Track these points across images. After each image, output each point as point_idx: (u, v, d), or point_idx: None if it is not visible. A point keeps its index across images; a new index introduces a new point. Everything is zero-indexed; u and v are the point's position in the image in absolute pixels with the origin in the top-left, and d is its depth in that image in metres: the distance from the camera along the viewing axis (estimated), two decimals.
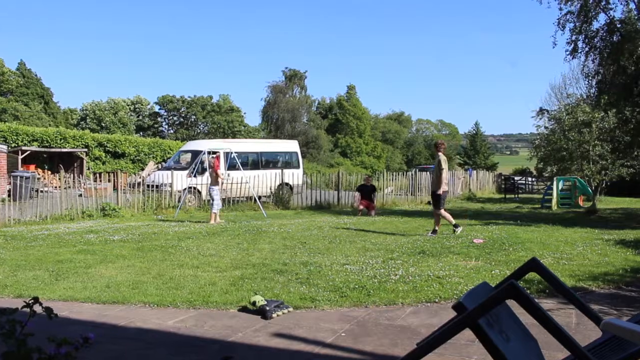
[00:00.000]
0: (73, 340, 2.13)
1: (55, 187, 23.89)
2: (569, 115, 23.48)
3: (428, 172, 28.48)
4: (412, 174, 26.99)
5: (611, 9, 19.51)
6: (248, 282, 7.44)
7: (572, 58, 19.90)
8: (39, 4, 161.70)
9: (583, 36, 19.68)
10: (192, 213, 18.97)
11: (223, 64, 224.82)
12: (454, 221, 12.41)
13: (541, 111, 26.54)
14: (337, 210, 21.21)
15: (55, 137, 34.16)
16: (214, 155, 17.94)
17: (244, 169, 20.82)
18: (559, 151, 24.26)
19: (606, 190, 27.10)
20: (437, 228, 12.39)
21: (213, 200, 15.83)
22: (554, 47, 20.65)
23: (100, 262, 9.17)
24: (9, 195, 18.35)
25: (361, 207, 18.72)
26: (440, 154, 12.45)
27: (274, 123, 70.86)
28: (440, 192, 12.30)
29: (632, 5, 19.26)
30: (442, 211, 12.34)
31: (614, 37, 19.20)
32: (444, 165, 12.25)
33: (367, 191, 19.05)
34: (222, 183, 16.40)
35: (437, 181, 12.42)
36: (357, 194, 19.69)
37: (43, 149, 32.91)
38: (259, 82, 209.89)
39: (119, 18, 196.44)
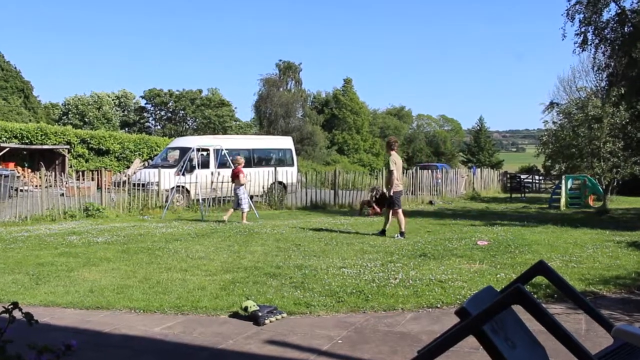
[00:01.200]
0: (54, 347, 2.12)
1: (36, 186, 23.81)
2: (578, 110, 23.52)
3: (430, 170, 28.54)
4: (412, 172, 26.95)
5: None
6: (239, 287, 7.44)
7: (582, 50, 20.01)
8: None
9: (592, 27, 19.77)
10: (180, 213, 18.94)
11: (213, 56, 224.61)
12: (403, 228, 12.61)
13: (551, 105, 26.59)
14: (333, 210, 21.22)
15: (36, 133, 34.06)
16: (237, 156, 17.86)
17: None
18: (568, 148, 24.29)
19: (618, 189, 27.11)
20: (403, 230, 12.61)
21: (239, 199, 15.99)
22: (563, 39, 20.77)
23: (83, 265, 9.15)
24: None
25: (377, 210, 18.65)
26: (393, 152, 12.94)
27: (267, 118, 70.76)
28: (392, 192, 12.74)
29: None
30: (400, 211, 12.70)
31: (625, 28, 19.27)
32: (392, 166, 12.69)
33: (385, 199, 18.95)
34: (244, 184, 16.47)
35: (388, 182, 13.02)
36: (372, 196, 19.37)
37: (23, 146, 32.81)
38: (251, 75, 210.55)
39: (103, 8, 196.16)
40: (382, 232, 12.70)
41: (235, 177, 16.18)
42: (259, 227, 14.11)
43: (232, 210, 16.19)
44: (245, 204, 15.99)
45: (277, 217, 17.71)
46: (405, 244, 11.14)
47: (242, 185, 16.03)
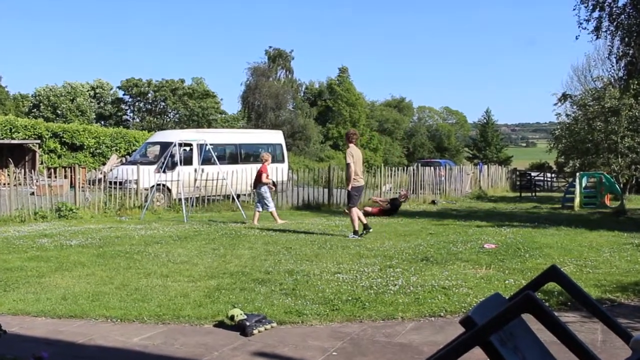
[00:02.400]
0: (24, 359, 2.12)
1: (4, 184, 23.77)
2: (594, 102, 23.53)
3: (432, 167, 28.55)
4: (413, 169, 26.97)
5: None
6: (225, 294, 7.43)
7: (597, 38, 19.99)
8: None
9: (607, 13, 19.77)
10: (160, 214, 18.93)
11: (197, 43, 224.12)
12: (357, 227, 12.87)
13: (564, 97, 26.55)
14: (327, 210, 21.21)
15: (4, 126, 34.00)
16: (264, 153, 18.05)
17: (220, 163, 20.76)
18: (583, 143, 24.35)
19: (637, 187, 27.20)
20: (357, 229, 12.85)
21: (264, 200, 16.36)
22: (579, 26, 20.61)
23: (55, 271, 9.13)
24: None
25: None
26: (351, 145, 13.16)
27: (255, 110, 70.73)
28: (349, 188, 12.97)
29: None
30: (353, 210, 12.93)
31: None
32: (349, 159, 12.90)
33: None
34: (269, 184, 16.61)
35: (346, 177, 13.29)
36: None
37: None
38: (237, 64, 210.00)
39: None
40: (365, 227, 12.86)
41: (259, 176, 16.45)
42: (246, 229, 14.12)
43: (257, 212, 16.45)
44: (271, 204, 16.48)
45: (266, 218, 17.69)
46: (405, 247, 11.15)
47: (265, 184, 16.18)
